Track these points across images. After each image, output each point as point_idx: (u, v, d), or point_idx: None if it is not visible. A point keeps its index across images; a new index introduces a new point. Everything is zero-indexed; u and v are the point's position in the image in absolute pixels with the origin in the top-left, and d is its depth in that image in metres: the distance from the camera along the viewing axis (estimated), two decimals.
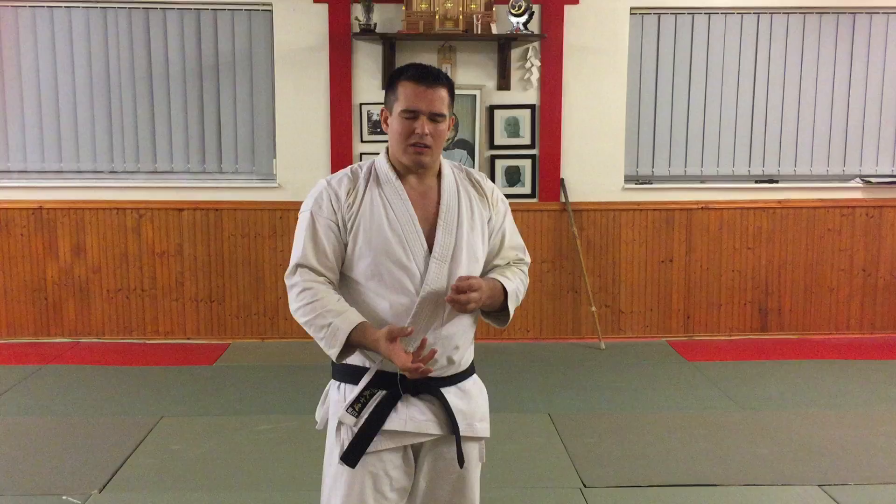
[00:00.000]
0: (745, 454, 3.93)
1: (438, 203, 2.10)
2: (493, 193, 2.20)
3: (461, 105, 5.63)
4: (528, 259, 2.26)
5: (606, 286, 5.96)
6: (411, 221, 2.05)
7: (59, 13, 5.69)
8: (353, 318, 1.99)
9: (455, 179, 2.15)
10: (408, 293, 2.03)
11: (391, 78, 2.09)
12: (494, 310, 2.15)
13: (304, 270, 2.06)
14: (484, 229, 2.15)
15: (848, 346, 5.86)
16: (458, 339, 2.09)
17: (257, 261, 5.83)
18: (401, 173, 2.10)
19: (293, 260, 2.09)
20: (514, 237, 2.24)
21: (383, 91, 2.25)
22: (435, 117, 2.03)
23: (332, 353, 2.00)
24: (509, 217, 2.23)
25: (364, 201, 2.06)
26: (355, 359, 2.08)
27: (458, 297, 1.97)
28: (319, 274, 2.06)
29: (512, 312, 2.15)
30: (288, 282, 2.09)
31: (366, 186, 2.08)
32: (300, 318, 2.06)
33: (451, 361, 2.09)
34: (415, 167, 2.07)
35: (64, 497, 3.44)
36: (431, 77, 2.03)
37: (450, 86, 2.07)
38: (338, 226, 2.06)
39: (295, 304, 2.07)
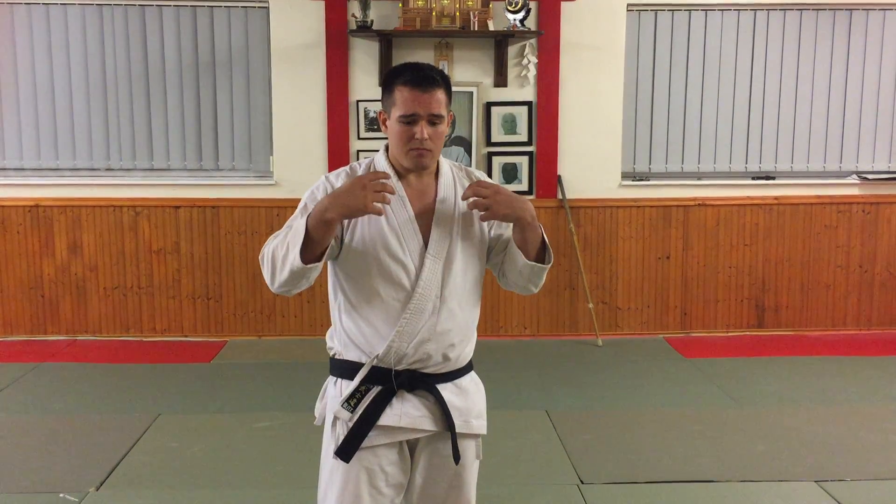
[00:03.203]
0: (742, 450, 3.93)
1: (435, 200, 2.10)
2: None
3: (458, 102, 5.63)
4: None
5: (604, 283, 5.96)
6: (408, 217, 2.05)
7: (55, 10, 5.67)
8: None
9: (453, 177, 2.16)
10: (403, 288, 2.03)
11: (387, 79, 2.08)
12: (534, 248, 2.08)
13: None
14: (482, 227, 2.15)
15: (844, 342, 5.88)
16: (454, 336, 2.09)
17: (254, 258, 5.81)
18: (400, 171, 2.10)
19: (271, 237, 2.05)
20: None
21: (380, 88, 2.23)
22: (434, 120, 2.02)
23: (296, 248, 1.89)
24: None
25: None
26: (352, 354, 2.08)
27: (479, 191, 1.97)
28: None
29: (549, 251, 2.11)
30: (261, 253, 2.03)
31: None
32: (268, 258, 1.97)
33: (446, 358, 2.09)
34: (416, 169, 2.08)
35: (61, 495, 3.44)
36: (428, 80, 2.01)
37: (447, 85, 2.07)
38: None
39: (265, 252, 2.00)
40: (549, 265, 2.12)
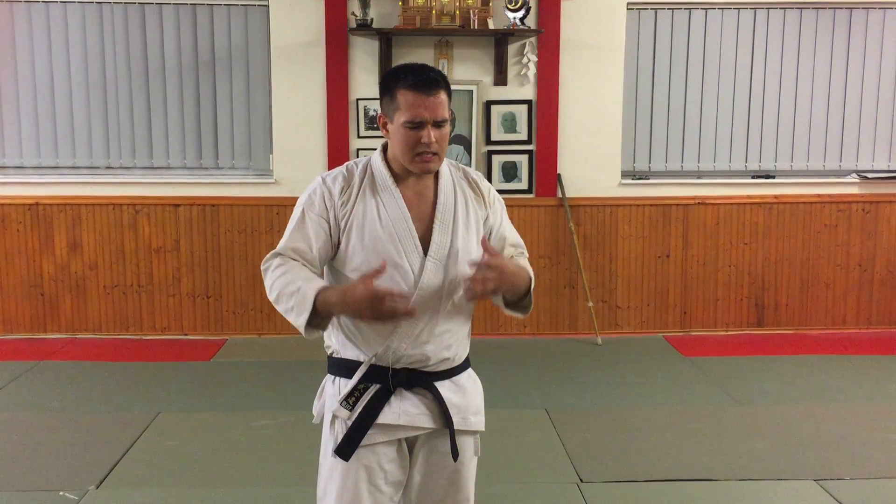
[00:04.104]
0: (742, 449, 3.93)
1: (434, 203, 2.09)
2: (489, 193, 2.20)
3: (458, 100, 5.63)
4: (526, 255, 2.27)
5: (603, 281, 5.96)
6: (404, 220, 2.04)
7: (55, 8, 5.67)
8: (322, 282, 1.97)
9: (452, 179, 2.14)
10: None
11: (387, 82, 2.04)
12: (517, 297, 2.11)
13: (282, 257, 2.04)
14: (479, 229, 2.14)
15: (844, 341, 5.87)
16: (451, 337, 2.09)
17: (254, 256, 5.82)
18: (397, 173, 2.09)
19: (275, 249, 2.07)
20: (514, 236, 2.24)
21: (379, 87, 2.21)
22: (439, 124, 2.01)
23: (302, 320, 1.93)
24: (506, 217, 2.23)
25: (358, 199, 2.05)
26: (350, 353, 2.08)
27: (486, 270, 1.94)
28: (297, 261, 2.04)
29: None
30: (263, 266, 2.05)
31: (360, 185, 2.07)
32: (273, 293, 1.99)
33: (444, 358, 2.09)
34: (421, 174, 2.06)
35: (61, 493, 3.45)
36: (431, 83, 1.99)
37: (447, 85, 2.05)
38: (328, 223, 2.04)
39: (269, 280, 2.02)
40: (525, 315, 2.18)
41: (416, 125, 1.98)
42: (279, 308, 1.99)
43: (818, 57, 5.95)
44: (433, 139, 1.99)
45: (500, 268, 1.97)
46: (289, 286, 1.96)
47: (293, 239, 2.04)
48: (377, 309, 1.86)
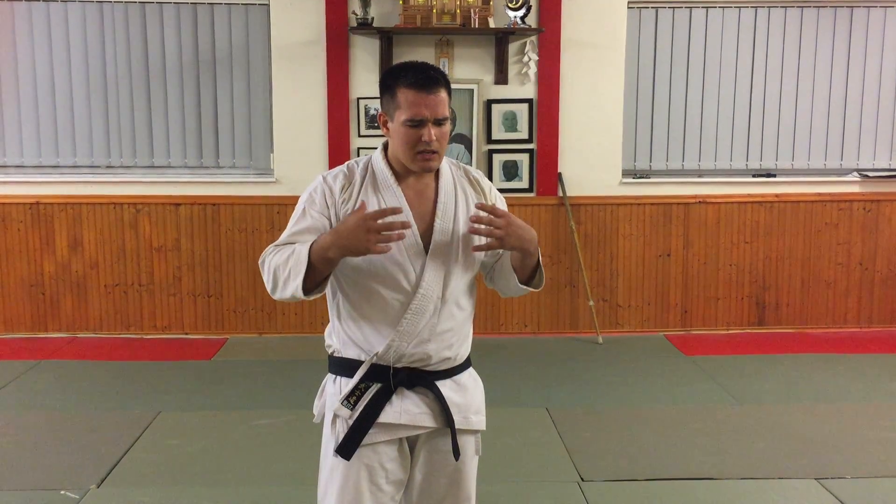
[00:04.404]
0: (743, 448, 3.93)
1: (435, 201, 2.09)
2: (490, 192, 2.20)
3: (459, 99, 5.62)
4: None
5: (604, 280, 5.96)
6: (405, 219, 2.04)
7: (56, 7, 5.67)
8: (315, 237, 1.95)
9: (453, 177, 2.14)
10: (403, 290, 2.02)
11: (387, 81, 2.04)
12: (528, 269, 2.08)
13: (279, 247, 2.03)
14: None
15: (845, 339, 5.87)
16: (453, 336, 2.09)
17: (255, 255, 5.80)
18: (398, 171, 2.09)
19: (274, 243, 2.06)
20: None
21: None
22: (440, 122, 2.01)
23: (299, 279, 1.90)
24: None
25: (359, 197, 2.05)
26: (351, 352, 2.08)
27: (494, 220, 1.92)
28: None
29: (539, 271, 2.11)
30: (261, 259, 2.04)
31: (361, 183, 2.07)
32: (271, 270, 1.97)
33: (446, 357, 2.09)
34: (422, 172, 2.06)
35: (62, 492, 3.45)
36: (431, 81, 1.99)
37: (447, 83, 2.05)
38: (329, 220, 2.04)
39: (265, 266, 2.00)
40: (539, 289, 2.15)
41: (416, 123, 1.98)
42: (278, 284, 1.95)
43: (819, 55, 5.95)
44: (433, 137, 1.99)
45: (507, 216, 1.95)
46: (282, 256, 1.96)
47: (292, 232, 2.04)
48: (370, 229, 1.82)
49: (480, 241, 2.00)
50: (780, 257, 6.01)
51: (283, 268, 1.95)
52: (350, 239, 1.86)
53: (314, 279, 1.93)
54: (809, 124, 6.01)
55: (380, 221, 1.85)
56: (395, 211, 1.90)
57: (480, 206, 1.98)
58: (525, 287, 2.12)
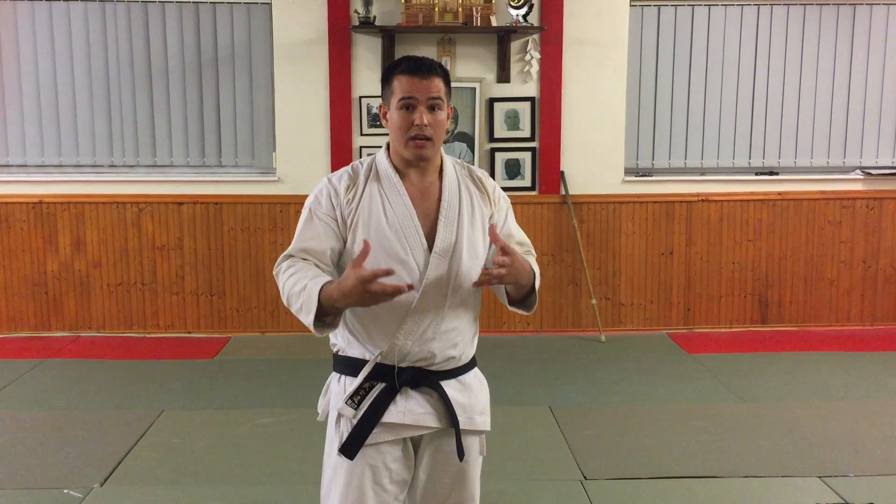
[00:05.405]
0: (746, 446, 3.93)
1: (439, 199, 2.09)
2: (494, 191, 2.20)
3: (461, 98, 5.62)
4: (534, 253, 2.27)
5: (607, 279, 5.96)
6: (409, 217, 2.04)
7: (58, 7, 5.68)
8: (326, 279, 1.94)
9: (457, 176, 2.15)
10: None
11: (386, 72, 2.08)
12: (521, 293, 2.12)
13: (292, 259, 2.05)
14: (485, 226, 2.14)
15: (848, 337, 5.87)
16: (457, 335, 2.09)
17: (257, 254, 5.83)
18: (401, 170, 2.09)
19: (286, 252, 2.08)
20: (520, 234, 2.25)
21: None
22: (433, 104, 2.01)
23: (310, 318, 1.92)
24: (511, 215, 2.23)
25: (363, 197, 2.06)
26: (356, 351, 2.08)
27: (501, 261, 1.91)
28: (308, 261, 2.05)
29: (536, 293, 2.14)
30: (275, 270, 2.07)
31: (365, 183, 2.08)
32: (284, 295, 2.00)
33: (450, 357, 2.09)
34: (416, 161, 2.06)
35: (65, 491, 3.45)
36: (426, 67, 2.02)
37: (445, 75, 2.07)
38: (336, 222, 2.05)
39: (280, 283, 2.02)
40: (529, 313, 2.18)
41: (408, 103, 2.00)
42: (292, 309, 1.99)
43: (822, 53, 5.94)
44: (426, 121, 2.00)
45: (513, 255, 1.96)
46: (296, 285, 1.96)
47: (302, 239, 2.05)
48: (369, 292, 1.81)
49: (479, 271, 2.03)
50: (783, 255, 6.01)
51: (295, 299, 1.96)
52: (352, 297, 1.84)
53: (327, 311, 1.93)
54: (812, 122, 6.01)
55: (377, 282, 1.81)
56: (388, 272, 1.84)
57: (494, 237, 1.97)
58: (514, 309, 2.18)
